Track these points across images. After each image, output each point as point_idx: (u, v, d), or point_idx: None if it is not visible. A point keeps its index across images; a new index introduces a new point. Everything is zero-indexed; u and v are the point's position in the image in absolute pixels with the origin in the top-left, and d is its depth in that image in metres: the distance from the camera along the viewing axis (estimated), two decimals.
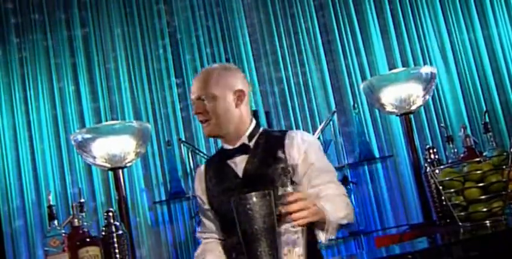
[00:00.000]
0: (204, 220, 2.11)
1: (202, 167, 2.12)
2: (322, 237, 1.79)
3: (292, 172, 1.95)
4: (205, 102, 1.97)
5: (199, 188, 2.09)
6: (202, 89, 1.98)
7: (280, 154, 1.96)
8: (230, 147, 2.01)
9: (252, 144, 2.00)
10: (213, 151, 4.05)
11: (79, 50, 4.11)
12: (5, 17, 4.06)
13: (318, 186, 1.93)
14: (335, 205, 1.85)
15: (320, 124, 3.90)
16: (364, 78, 4.03)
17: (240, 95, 2.00)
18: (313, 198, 1.78)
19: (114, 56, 4.14)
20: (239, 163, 1.98)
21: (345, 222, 1.85)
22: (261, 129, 2.06)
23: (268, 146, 1.99)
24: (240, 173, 1.97)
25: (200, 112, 1.97)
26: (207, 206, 2.06)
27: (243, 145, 1.99)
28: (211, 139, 4.06)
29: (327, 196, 1.90)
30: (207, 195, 2.05)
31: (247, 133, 2.01)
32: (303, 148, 1.97)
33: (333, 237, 1.82)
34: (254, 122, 2.07)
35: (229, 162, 2.00)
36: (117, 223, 2.13)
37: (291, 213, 1.63)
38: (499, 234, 1.43)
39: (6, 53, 4.01)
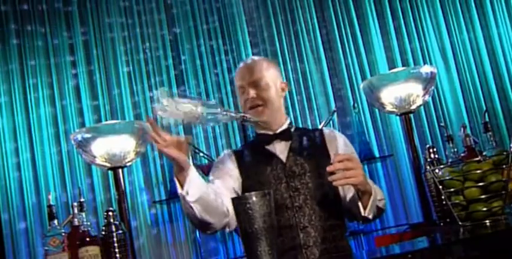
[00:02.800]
0: (217, 181, 2.03)
1: (230, 151, 2.14)
2: (362, 209, 1.84)
3: (332, 160, 1.97)
4: (259, 88, 2.04)
5: (229, 166, 2.06)
6: (256, 76, 2.05)
7: (320, 144, 2.06)
8: (270, 132, 2.08)
9: (292, 132, 2.09)
10: (213, 150, 4.05)
11: (79, 49, 4.11)
12: (5, 17, 4.05)
13: None
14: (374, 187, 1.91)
15: (320, 123, 3.90)
16: (364, 78, 4.03)
17: (283, 87, 2.13)
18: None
19: (114, 54, 4.14)
20: (279, 149, 2.05)
21: (381, 204, 1.91)
22: (294, 125, 2.17)
23: (308, 137, 2.09)
24: (283, 159, 2.02)
25: (255, 97, 2.03)
26: (233, 180, 2.02)
27: (285, 131, 2.07)
28: (211, 139, 4.07)
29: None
30: (240, 173, 2.04)
31: (287, 122, 2.11)
32: (342, 139, 2.11)
33: (370, 217, 1.86)
34: (289, 118, 2.17)
35: (268, 147, 2.06)
36: (117, 223, 2.13)
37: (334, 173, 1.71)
38: (499, 233, 1.43)
39: (6, 52, 4.01)
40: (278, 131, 2.07)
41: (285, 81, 2.17)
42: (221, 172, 2.06)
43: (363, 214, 1.84)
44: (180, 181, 1.82)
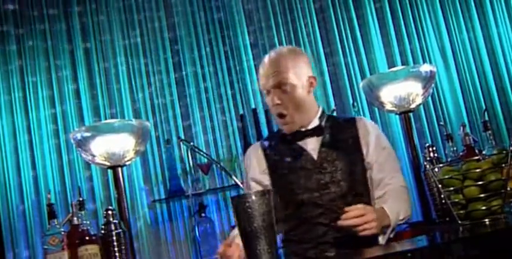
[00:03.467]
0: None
1: (259, 146, 2.09)
2: (380, 239, 1.84)
3: (364, 155, 1.99)
4: (284, 92, 1.94)
5: (256, 169, 2.04)
6: (281, 78, 1.93)
7: (353, 138, 2.00)
8: (302, 129, 2.02)
9: (324, 126, 2.02)
10: (213, 149, 4.04)
11: (78, 48, 4.10)
12: (5, 19, 4.05)
13: (386, 173, 1.98)
14: (398, 203, 1.91)
15: None
16: (363, 77, 4.03)
17: (312, 82, 2.02)
18: (373, 213, 1.78)
19: (113, 54, 4.13)
20: (311, 145, 1.99)
21: (402, 222, 1.92)
22: (326, 114, 2.09)
23: (340, 130, 2.03)
24: (314, 155, 1.97)
25: (279, 103, 1.94)
26: (263, 187, 2.01)
27: (317, 127, 2.00)
28: (211, 139, 4.06)
29: (393, 189, 1.95)
30: (269, 175, 2.02)
31: (318, 115, 2.04)
32: (375, 133, 2.05)
33: (391, 236, 1.88)
34: (321, 107, 2.09)
35: (299, 143, 2.00)
36: (117, 222, 2.13)
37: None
38: (499, 232, 1.43)
39: (6, 52, 4.00)
40: (310, 127, 2.02)
41: (314, 74, 2.04)
42: (257, 175, 2.03)
43: (380, 242, 1.84)
44: None
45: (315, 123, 2.03)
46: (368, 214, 1.74)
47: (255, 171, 2.05)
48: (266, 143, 2.10)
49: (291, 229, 2.00)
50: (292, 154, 2.01)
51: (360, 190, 1.96)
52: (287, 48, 2.07)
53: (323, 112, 2.08)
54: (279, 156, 2.03)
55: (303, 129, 2.03)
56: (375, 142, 2.03)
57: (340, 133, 2.04)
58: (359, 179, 1.96)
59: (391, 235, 1.89)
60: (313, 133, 2.02)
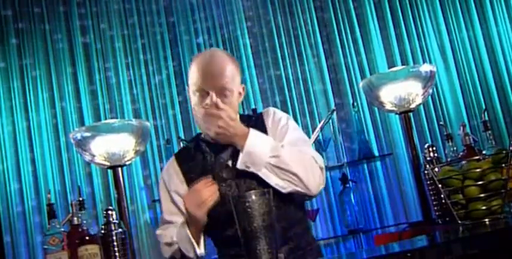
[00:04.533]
0: (178, 218, 1.90)
1: (175, 161, 1.98)
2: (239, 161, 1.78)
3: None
4: (224, 96, 1.82)
5: (175, 182, 1.94)
6: (224, 81, 1.81)
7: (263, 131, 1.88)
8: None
9: None
10: None
11: (78, 48, 4.10)
12: (5, 21, 4.05)
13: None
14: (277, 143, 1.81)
15: (319, 122, 3.89)
16: (363, 76, 4.03)
17: (240, 92, 1.93)
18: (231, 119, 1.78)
19: (113, 54, 4.14)
20: (227, 154, 1.88)
21: (273, 161, 1.76)
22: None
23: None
24: (230, 164, 1.86)
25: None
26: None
27: None
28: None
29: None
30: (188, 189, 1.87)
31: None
32: (278, 116, 1.95)
33: (254, 170, 1.77)
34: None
35: (216, 154, 1.89)
36: (117, 222, 2.13)
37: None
38: (498, 232, 1.43)
39: (5, 52, 4.00)
40: None
41: (240, 81, 1.93)
42: (178, 206, 1.91)
43: (237, 165, 1.77)
44: (197, 241, 1.80)
45: None
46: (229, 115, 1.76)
47: (177, 185, 1.94)
48: (182, 157, 1.99)
49: (224, 245, 1.89)
50: (210, 166, 1.89)
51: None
52: (225, 52, 1.94)
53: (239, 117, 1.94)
54: (196, 171, 1.90)
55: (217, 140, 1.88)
56: (277, 124, 1.92)
57: None
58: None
59: (253, 169, 1.77)
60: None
